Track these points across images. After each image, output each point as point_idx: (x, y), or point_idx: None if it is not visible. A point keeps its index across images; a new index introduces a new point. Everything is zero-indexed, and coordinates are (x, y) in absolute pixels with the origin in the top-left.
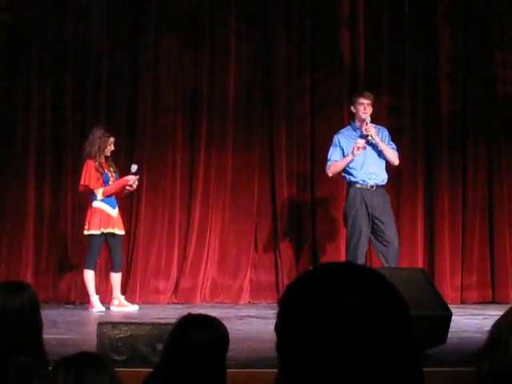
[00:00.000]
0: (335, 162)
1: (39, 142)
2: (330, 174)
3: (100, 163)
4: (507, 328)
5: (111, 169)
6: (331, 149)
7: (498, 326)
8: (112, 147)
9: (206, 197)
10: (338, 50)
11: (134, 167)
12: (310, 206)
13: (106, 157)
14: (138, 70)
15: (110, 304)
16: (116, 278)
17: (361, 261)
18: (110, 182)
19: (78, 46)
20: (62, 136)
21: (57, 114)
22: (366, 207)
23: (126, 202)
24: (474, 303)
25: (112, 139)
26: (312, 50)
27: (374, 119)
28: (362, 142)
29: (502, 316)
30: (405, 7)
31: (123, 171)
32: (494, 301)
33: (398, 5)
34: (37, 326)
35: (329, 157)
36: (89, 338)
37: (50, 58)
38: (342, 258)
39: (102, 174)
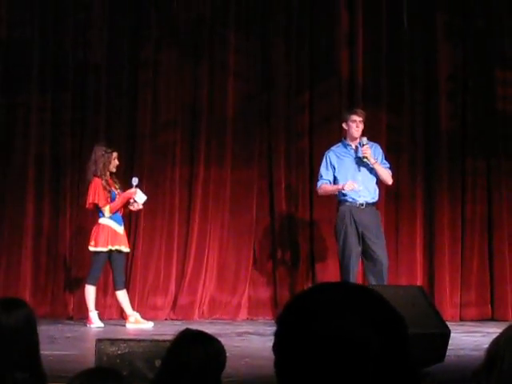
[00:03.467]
0: (325, 185)
1: (38, 157)
2: (319, 194)
3: (107, 181)
4: (504, 346)
5: (116, 186)
6: (322, 167)
7: (495, 344)
8: (117, 162)
9: (204, 212)
10: (337, 66)
11: (135, 180)
12: (308, 221)
13: (111, 173)
14: (138, 85)
15: (126, 321)
16: (123, 296)
17: (353, 279)
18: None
19: (77, 62)
20: (61, 151)
21: (56, 130)
22: (356, 225)
23: (125, 217)
24: (473, 320)
25: (115, 154)
26: (311, 65)
27: (373, 137)
28: (355, 186)
29: (499, 334)
30: (404, 24)
31: (124, 187)
32: (493, 318)
33: (397, 22)
34: (33, 343)
35: (320, 173)
36: (87, 355)
37: (50, 74)
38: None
39: (109, 191)
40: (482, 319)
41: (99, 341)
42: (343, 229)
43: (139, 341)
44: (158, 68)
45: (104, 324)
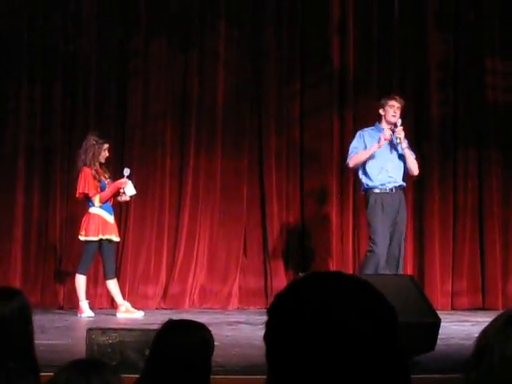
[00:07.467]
0: (357, 154)
1: (28, 148)
2: (351, 165)
3: (96, 170)
4: (493, 336)
5: (106, 175)
6: (354, 141)
7: (485, 333)
8: (107, 153)
9: (195, 202)
10: (328, 55)
11: (127, 171)
12: (299, 211)
13: (101, 163)
14: (127, 75)
15: (116, 311)
16: (113, 285)
17: (382, 266)
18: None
19: (67, 52)
20: (51, 141)
21: (46, 120)
22: (387, 212)
23: (115, 206)
24: (464, 309)
25: (106, 145)
26: (302, 54)
27: (364, 125)
28: (388, 133)
29: (489, 324)
30: (394, 13)
31: (114, 176)
32: (484, 307)
33: (388, 10)
34: (28, 333)
35: (351, 148)
36: (78, 344)
37: (39, 64)
38: (331, 262)
39: (99, 181)
40: (474, 308)
41: (90, 330)
42: (376, 218)
43: (130, 330)
44: (148, 57)
45: (94, 313)
